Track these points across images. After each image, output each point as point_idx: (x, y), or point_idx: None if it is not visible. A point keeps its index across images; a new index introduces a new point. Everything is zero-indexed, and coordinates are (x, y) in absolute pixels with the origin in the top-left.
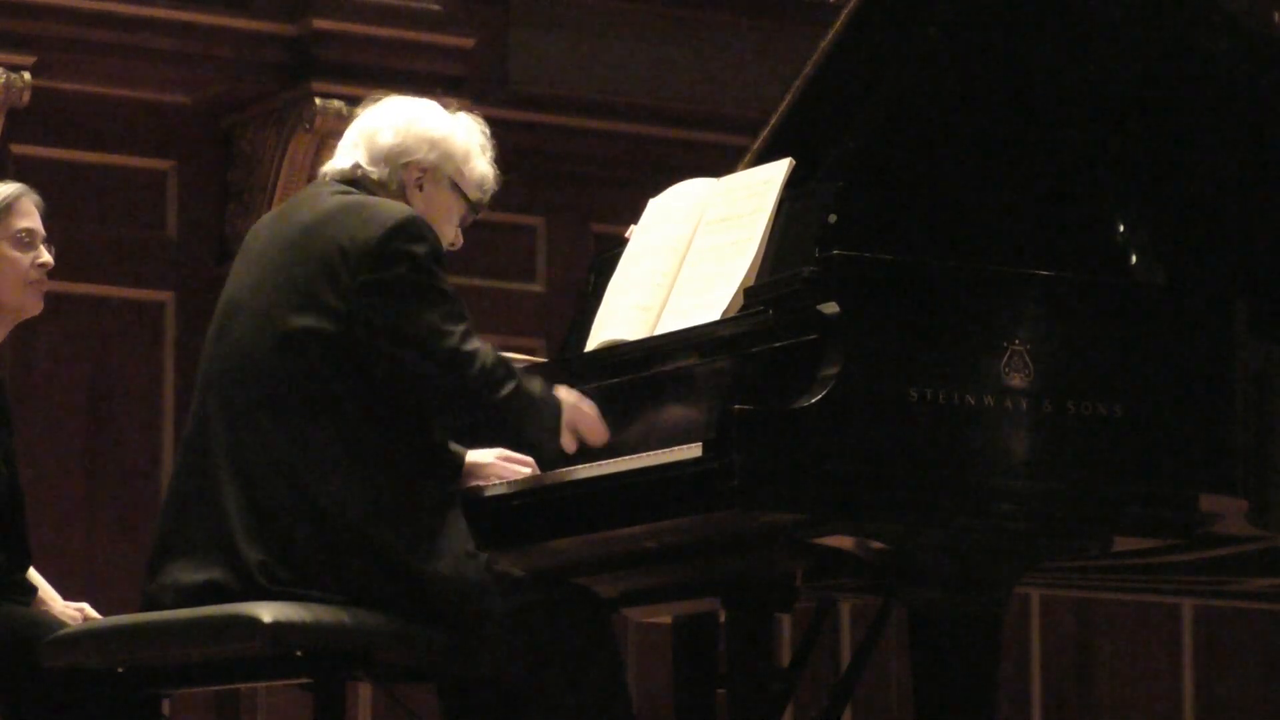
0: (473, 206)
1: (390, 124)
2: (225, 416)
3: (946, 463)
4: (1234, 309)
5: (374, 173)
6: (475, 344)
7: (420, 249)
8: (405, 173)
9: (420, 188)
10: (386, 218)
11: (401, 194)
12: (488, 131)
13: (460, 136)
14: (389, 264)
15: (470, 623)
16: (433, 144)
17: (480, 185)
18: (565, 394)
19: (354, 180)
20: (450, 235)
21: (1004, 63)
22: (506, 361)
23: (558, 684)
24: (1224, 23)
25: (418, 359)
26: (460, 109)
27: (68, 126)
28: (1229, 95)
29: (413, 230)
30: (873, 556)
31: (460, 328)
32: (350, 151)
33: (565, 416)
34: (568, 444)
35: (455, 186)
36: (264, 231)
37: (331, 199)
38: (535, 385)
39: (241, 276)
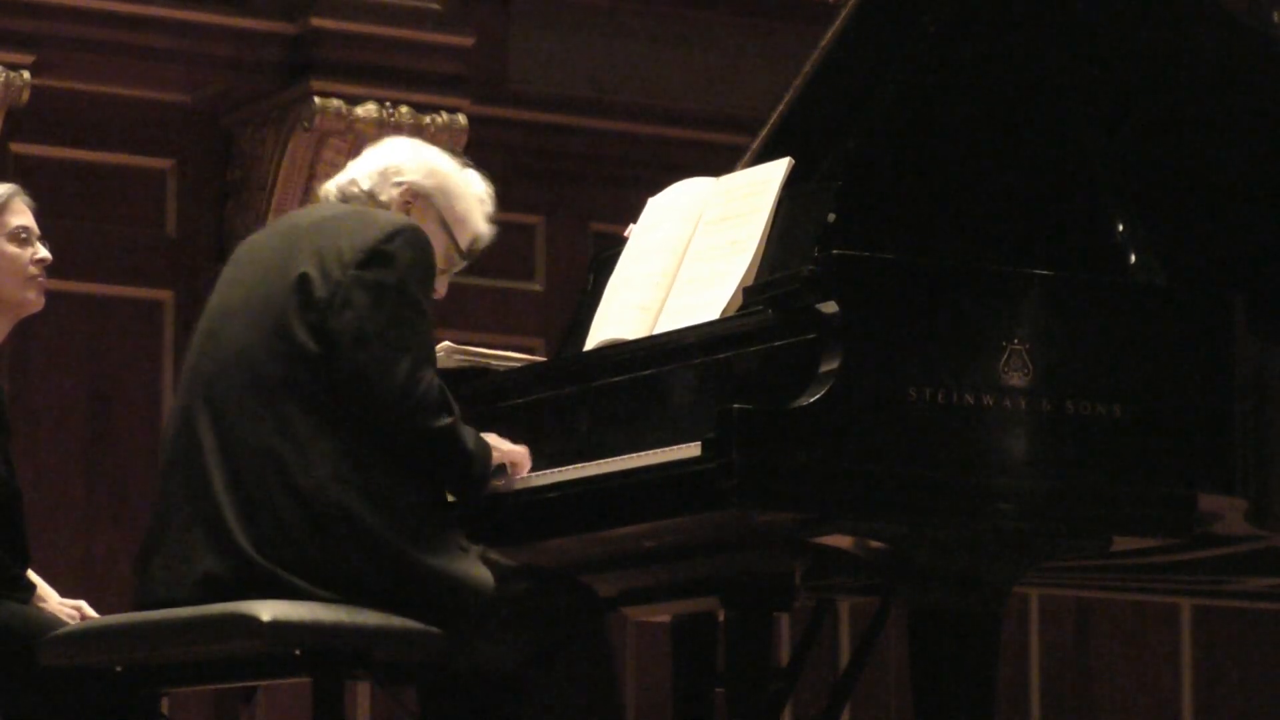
0: (460, 252)
1: (392, 146)
2: (210, 408)
3: (945, 462)
4: (1233, 308)
5: (366, 183)
6: (424, 372)
7: (411, 256)
8: (397, 191)
9: (408, 207)
10: (388, 222)
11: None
12: (491, 193)
13: (459, 179)
14: (378, 265)
15: (460, 609)
16: (430, 172)
17: (468, 236)
18: (496, 440)
19: (350, 197)
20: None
21: (1003, 62)
22: (450, 399)
23: (550, 678)
24: (1223, 22)
25: (366, 365)
26: (470, 166)
27: (67, 126)
28: (1228, 95)
29: (410, 237)
30: (872, 556)
31: (420, 351)
32: (349, 171)
33: (499, 459)
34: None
35: (444, 224)
36: (260, 239)
37: (332, 207)
38: (469, 435)
39: (233, 284)
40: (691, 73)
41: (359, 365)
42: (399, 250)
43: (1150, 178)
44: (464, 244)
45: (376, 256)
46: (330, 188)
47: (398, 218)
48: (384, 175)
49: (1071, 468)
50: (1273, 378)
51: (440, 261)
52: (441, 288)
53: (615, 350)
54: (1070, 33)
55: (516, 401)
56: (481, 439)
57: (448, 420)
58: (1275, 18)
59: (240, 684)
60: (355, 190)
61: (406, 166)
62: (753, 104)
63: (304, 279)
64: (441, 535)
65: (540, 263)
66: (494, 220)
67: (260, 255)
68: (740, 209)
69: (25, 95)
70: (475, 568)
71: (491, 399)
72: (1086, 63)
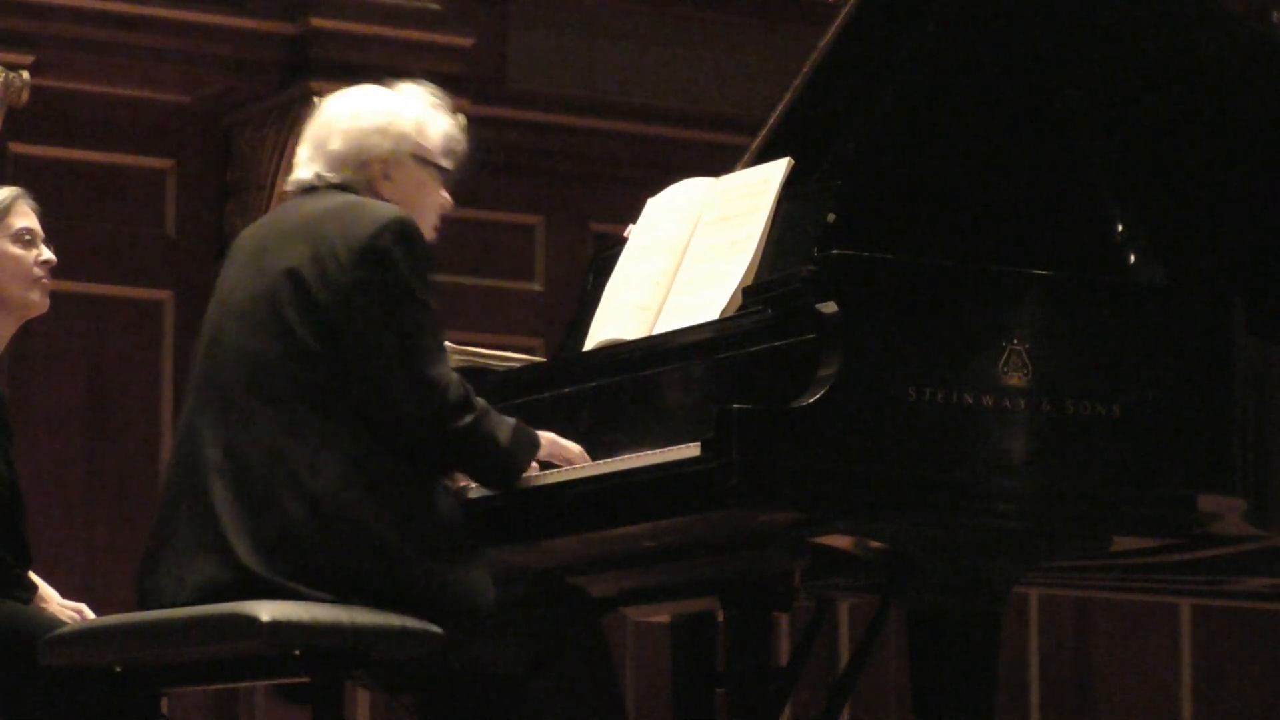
0: (445, 170)
1: (336, 129)
2: (217, 409)
3: (945, 462)
4: (1233, 308)
5: (335, 178)
6: (441, 370)
7: (403, 251)
8: (368, 170)
9: (388, 178)
10: (376, 217)
11: (373, 190)
12: (436, 91)
13: (405, 111)
14: (373, 266)
15: (459, 620)
16: (382, 132)
17: (445, 147)
18: (553, 439)
19: (320, 189)
20: (435, 207)
21: (1003, 62)
22: (470, 394)
23: (550, 683)
24: (1223, 22)
25: (382, 373)
26: (391, 82)
27: (67, 125)
28: (1229, 95)
29: (399, 230)
30: (872, 556)
31: (430, 353)
32: (307, 165)
33: (544, 453)
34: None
35: (420, 159)
36: (252, 238)
37: (324, 199)
38: (502, 430)
39: (232, 282)
40: (691, 73)
41: (374, 378)
42: (393, 246)
43: (1150, 178)
44: (445, 159)
45: (371, 255)
46: (296, 182)
47: (383, 210)
48: (349, 161)
49: (1071, 468)
50: (1272, 378)
51: (433, 184)
52: (447, 202)
53: (615, 350)
54: (1071, 33)
55: (516, 401)
56: (522, 431)
57: (469, 418)
58: (1275, 18)
59: (239, 684)
60: (324, 185)
61: (364, 141)
62: (753, 104)
63: (294, 274)
64: (450, 542)
65: (540, 263)
66: (446, 107)
67: (254, 254)
68: (740, 209)
69: (25, 95)
70: (480, 581)
71: (491, 399)
72: (1087, 63)
